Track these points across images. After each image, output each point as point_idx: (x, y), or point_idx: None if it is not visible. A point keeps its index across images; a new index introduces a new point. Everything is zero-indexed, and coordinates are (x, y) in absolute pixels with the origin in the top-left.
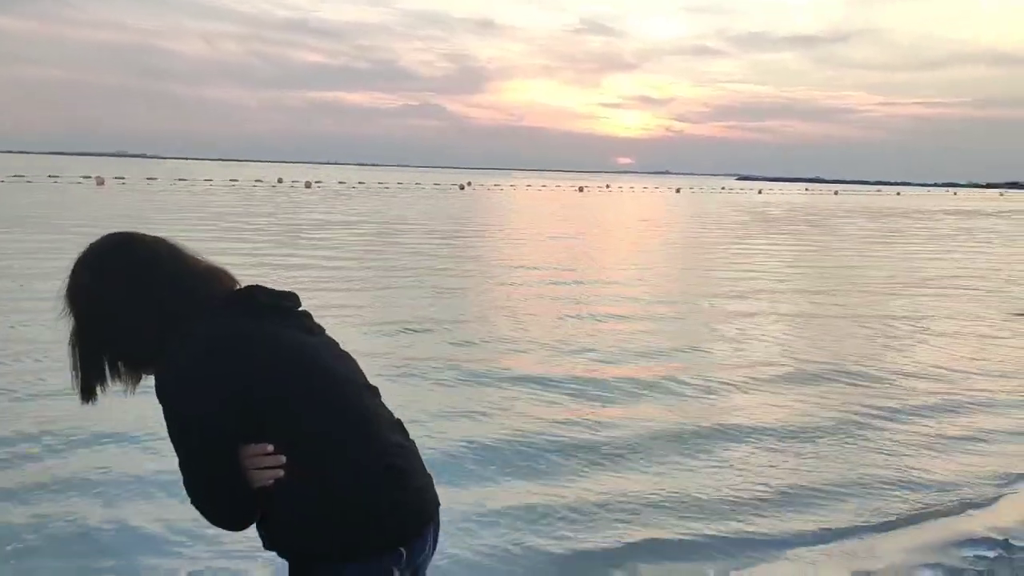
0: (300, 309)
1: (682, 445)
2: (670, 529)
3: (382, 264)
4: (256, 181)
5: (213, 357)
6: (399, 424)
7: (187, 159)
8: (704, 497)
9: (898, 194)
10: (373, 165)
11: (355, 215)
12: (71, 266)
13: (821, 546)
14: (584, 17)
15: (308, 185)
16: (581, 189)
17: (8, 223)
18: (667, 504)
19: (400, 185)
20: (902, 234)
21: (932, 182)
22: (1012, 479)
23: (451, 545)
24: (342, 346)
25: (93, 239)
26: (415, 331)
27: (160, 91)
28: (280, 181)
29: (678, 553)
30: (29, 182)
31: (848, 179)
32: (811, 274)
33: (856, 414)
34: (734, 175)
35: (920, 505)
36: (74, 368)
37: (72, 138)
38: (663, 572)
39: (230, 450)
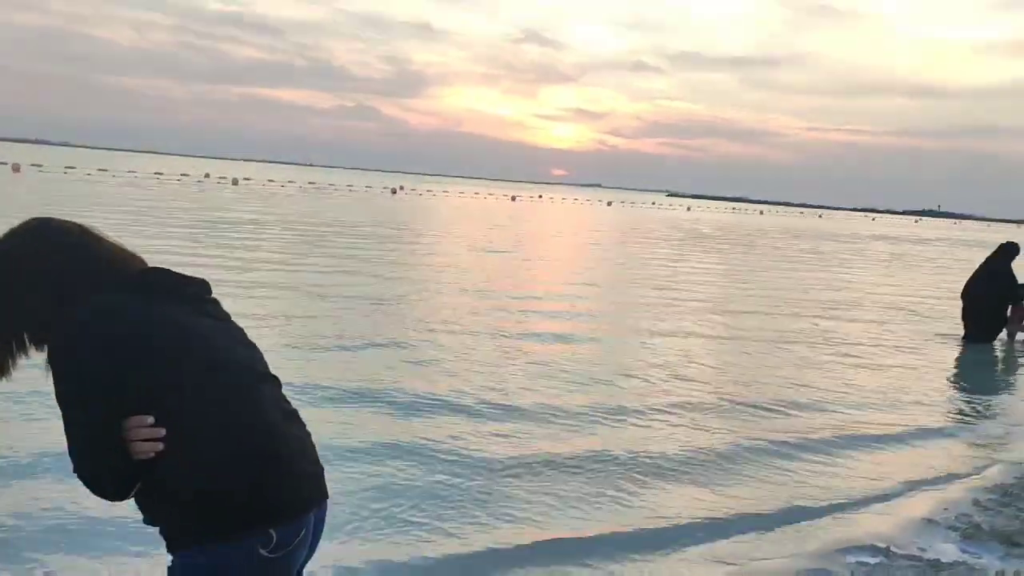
0: (208, 296)
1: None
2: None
3: (293, 271)
4: (182, 175)
5: (97, 327)
6: (294, 414)
7: (112, 150)
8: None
9: (820, 216)
10: (305, 165)
11: (275, 215)
12: None
13: (703, 547)
14: (524, 27)
15: (235, 182)
16: (513, 199)
17: None
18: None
19: (332, 186)
20: (837, 256)
21: (851, 206)
22: (892, 490)
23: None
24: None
25: (10, 226)
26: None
27: (86, 79)
28: (207, 176)
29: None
30: None
31: (772, 200)
32: (742, 294)
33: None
34: (664, 191)
35: (800, 512)
36: None
37: None
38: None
39: (109, 417)
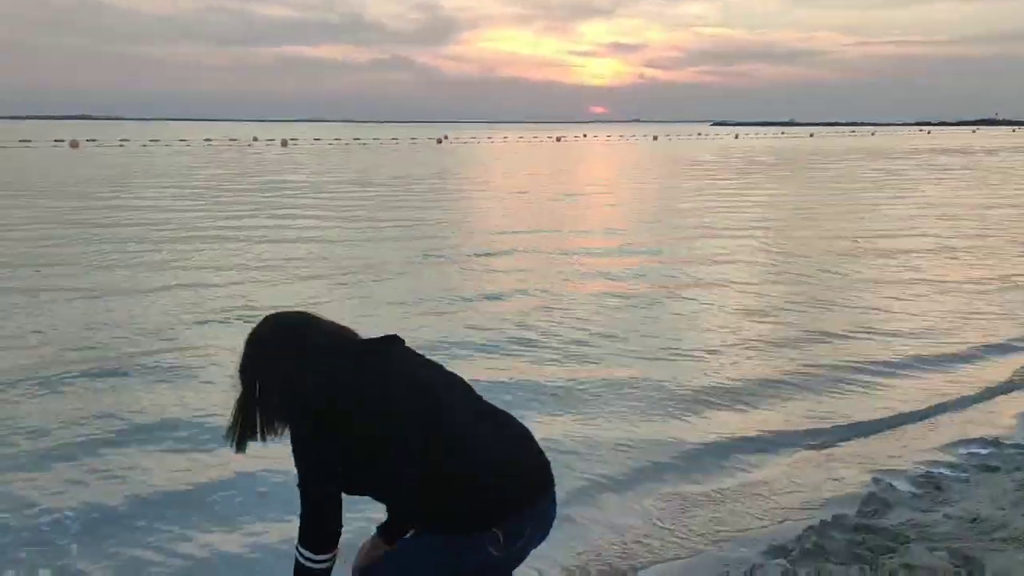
0: (400, 346)
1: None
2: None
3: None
4: (230, 140)
5: (323, 391)
6: (493, 413)
7: (152, 119)
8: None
9: (873, 134)
10: (344, 121)
11: (355, 171)
12: (244, 343)
13: (823, 451)
14: None
15: (284, 143)
16: (558, 139)
17: (16, 189)
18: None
19: (377, 140)
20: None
21: (903, 121)
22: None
23: None
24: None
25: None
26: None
27: (119, 51)
28: (255, 140)
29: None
30: (2, 147)
31: (820, 121)
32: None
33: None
34: (708, 121)
35: (904, 418)
36: (233, 425)
37: (30, 102)
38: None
39: (333, 464)
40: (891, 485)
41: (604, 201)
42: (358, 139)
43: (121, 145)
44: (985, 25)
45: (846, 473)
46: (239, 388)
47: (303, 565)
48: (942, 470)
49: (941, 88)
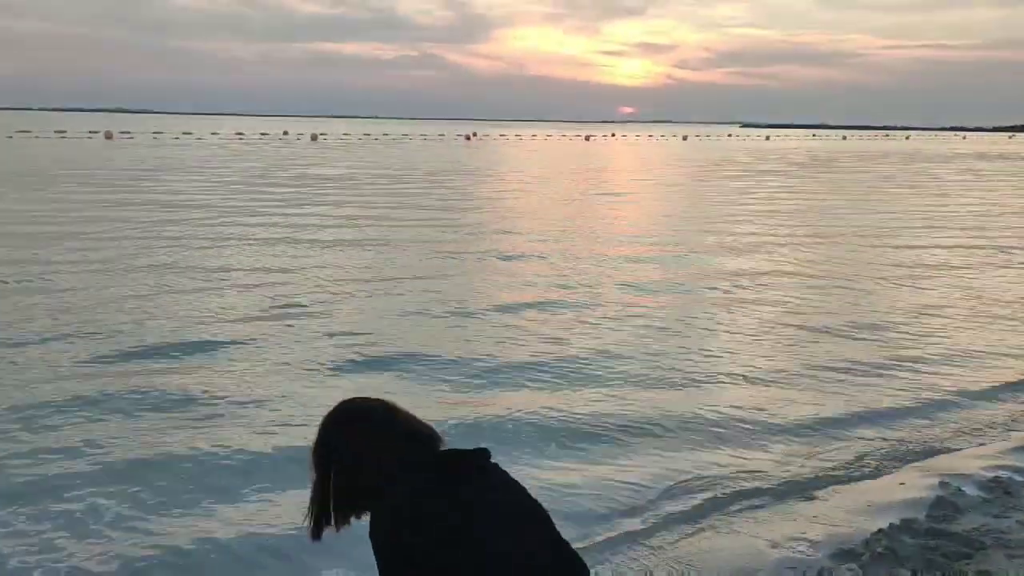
0: (489, 464)
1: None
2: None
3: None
4: (261, 134)
5: (402, 521)
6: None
7: (185, 114)
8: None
9: (907, 138)
10: (371, 117)
11: (382, 168)
12: (317, 430)
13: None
14: None
15: (314, 138)
16: (587, 138)
17: (46, 180)
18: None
19: (406, 136)
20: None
21: (936, 126)
22: None
23: None
24: None
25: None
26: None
27: (155, 45)
28: (285, 134)
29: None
30: (37, 137)
31: (852, 124)
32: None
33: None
34: (737, 123)
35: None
36: (309, 512)
37: (67, 94)
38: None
39: None
40: (960, 489)
41: (654, 205)
42: (387, 134)
43: (154, 137)
44: (1015, 31)
45: (912, 477)
46: (313, 472)
47: None
48: (1011, 475)
49: (976, 93)
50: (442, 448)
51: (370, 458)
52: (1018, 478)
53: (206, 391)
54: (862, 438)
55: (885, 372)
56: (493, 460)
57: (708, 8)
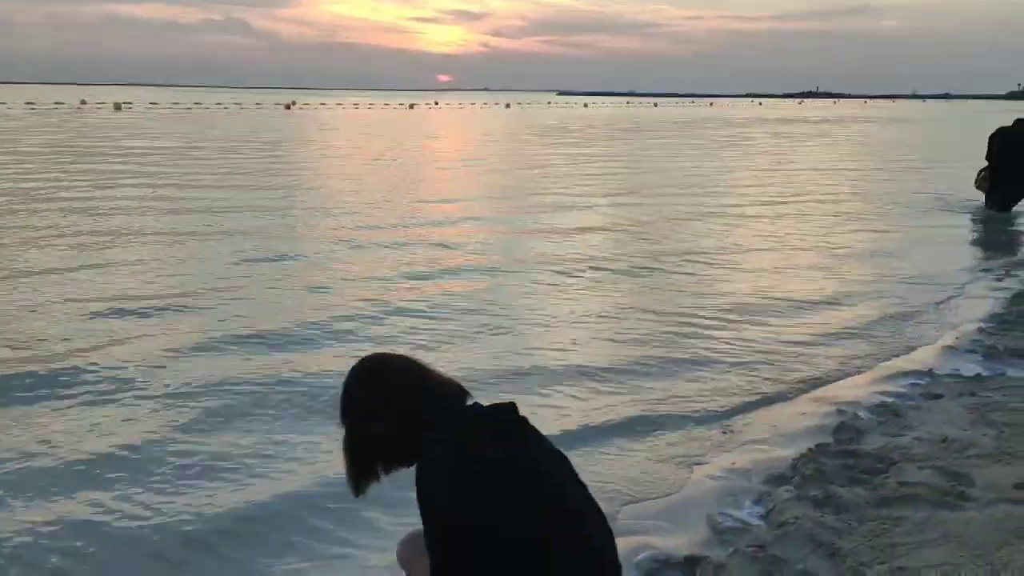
0: (520, 418)
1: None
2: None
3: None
4: (56, 103)
5: (449, 477)
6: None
7: None
8: None
9: (711, 104)
10: (175, 86)
11: (213, 138)
12: (344, 381)
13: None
14: None
15: (117, 107)
16: (411, 107)
17: None
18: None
19: (220, 105)
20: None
21: (736, 93)
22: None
23: None
24: None
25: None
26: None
27: None
28: (83, 103)
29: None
30: None
31: (661, 92)
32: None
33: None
34: (553, 90)
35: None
36: (348, 469)
37: None
38: None
39: (459, 554)
40: (856, 415)
41: (525, 172)
42: (199, 103)
43: None
44: (802, 3)
45: (809, 407)
46: (343, 430)
47: None
48: (893, 400)
49: (769, 62)
50: (470, 402)
51: (406, 412)
52: (899, 402)
53: None
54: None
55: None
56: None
57: None
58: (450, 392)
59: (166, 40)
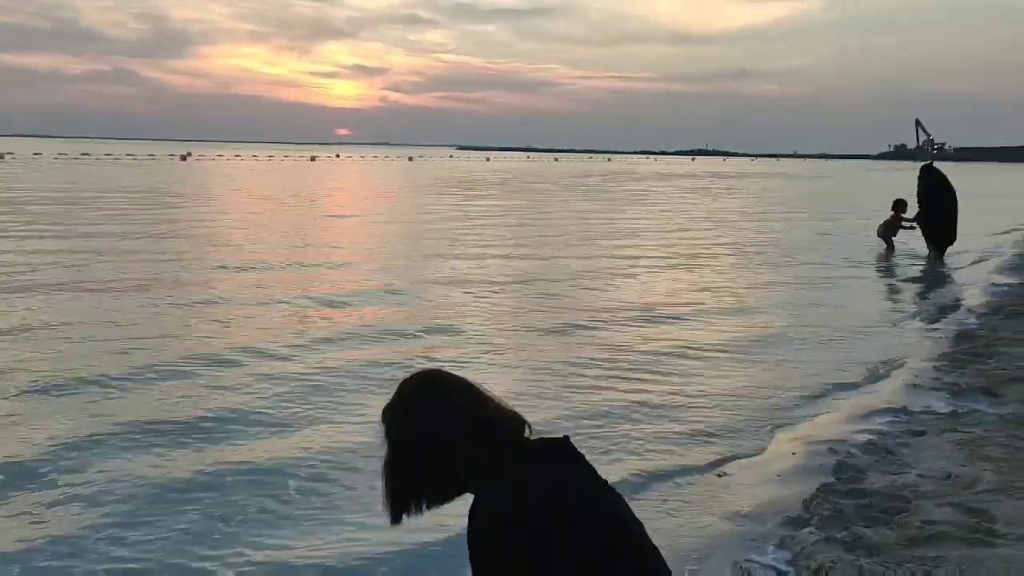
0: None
1: None
2: None
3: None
4: None
5: (518, 516)
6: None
7: None
8: None
9: (608, 160)
10: (63, 137)
11: (109, 188)
12: (390, 401)
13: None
14: None
15: (0, 156)
16: (313, 159)
17: None
18: None
19: (110, 155)
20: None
21: (630, 149)
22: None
23: None
24: None
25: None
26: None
27: None
28: None
29: None
30: None
31: (558, 147)
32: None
33: None
34: (453, 145)
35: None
36: (387, 495)
37: None
38: None
39: None
40: (849, 453)
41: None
42: (87, 154)
43: None
44: (687, 66)
45: (796, 449)
46: (386, 450)
47: None
48: (879, 437)
49: (659, 120)
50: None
51: (462, 439)
52: (886, 440)
53: None
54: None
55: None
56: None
57: (417, 34)
58: (509, 421)
59: (51, 90)
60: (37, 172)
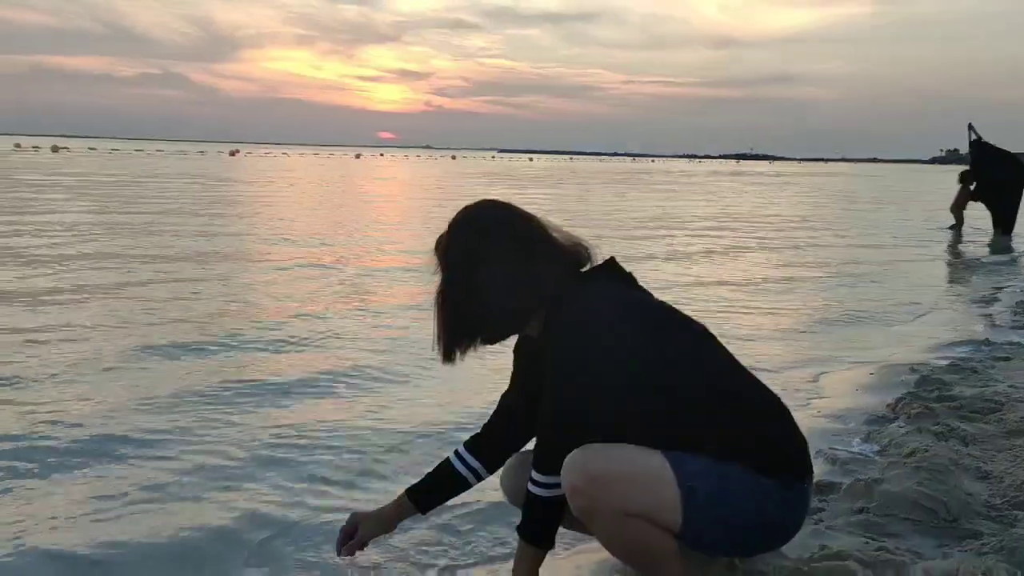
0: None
1: None
2: None
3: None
4: None
5: (608, 312)
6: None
7: None
8: None
9: (653, 162)
10: (114, 137)
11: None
12: (450, 226)
13: None
14: None
15: (55, 149)
16: (358, 156)
17: None
18: None
19: (162, 152)
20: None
21: (673, 153)
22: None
23: None
24: None
25: (470, 203)
26: None
27: None
28: (18, 146)
29: None
30: None
31: (601, 151)
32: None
33: None
34: (494, 149)
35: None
36: (440, 328)
37: None
38: None
39: (607, 390)
40: (932, 371)
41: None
42: (140, 150)
43: None
44: (729, 70)
45: (874, 371)
46: (443, 281)
47: (548, 497)
48: (962, 361)
49: (699, 125)
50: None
51: (534, 267)
52: (970, 363)
53: None
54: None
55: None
56: None
57: (460, 38)
58: (575, 247)
59: (102, 92)
60: (96, 160)
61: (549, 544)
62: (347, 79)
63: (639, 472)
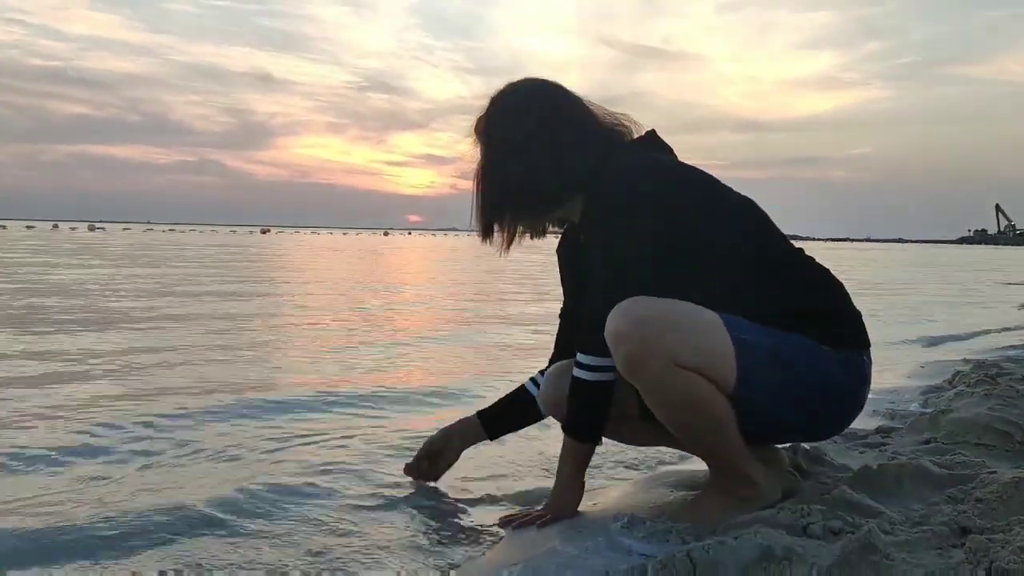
0: None
1: None
2: None
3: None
4: (27, 226)
5: (653, 177)
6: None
7: None
8: None
9: None
10: (151, 222)
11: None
12: (491, 102)
13: None
14: (367, 75)
15: (92, 228)
16: (386, 233)
17: None
18: None
19: (196, 231)
20: None
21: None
22: None
23: None
24: None
25: (512, 80)
26: None
27: None
28: (55, 227)
29: None
30: None
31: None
32: None
33: None
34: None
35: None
36: (480, 203)
37: None
38: None
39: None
40: (988, 358)
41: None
42: (173, 230)
43: None
44: (754, 152)
45: (926, 358)
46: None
47: (596, 381)
48: (1018, 352)
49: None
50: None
51: (570, 146)
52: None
53: None
54: None
55: None
56: None
57: None
58: (618, 123)
59: (138, 179)
60: (131, 238)
61: (596, 439)
62: (376, 164)
63: (690, 320)
